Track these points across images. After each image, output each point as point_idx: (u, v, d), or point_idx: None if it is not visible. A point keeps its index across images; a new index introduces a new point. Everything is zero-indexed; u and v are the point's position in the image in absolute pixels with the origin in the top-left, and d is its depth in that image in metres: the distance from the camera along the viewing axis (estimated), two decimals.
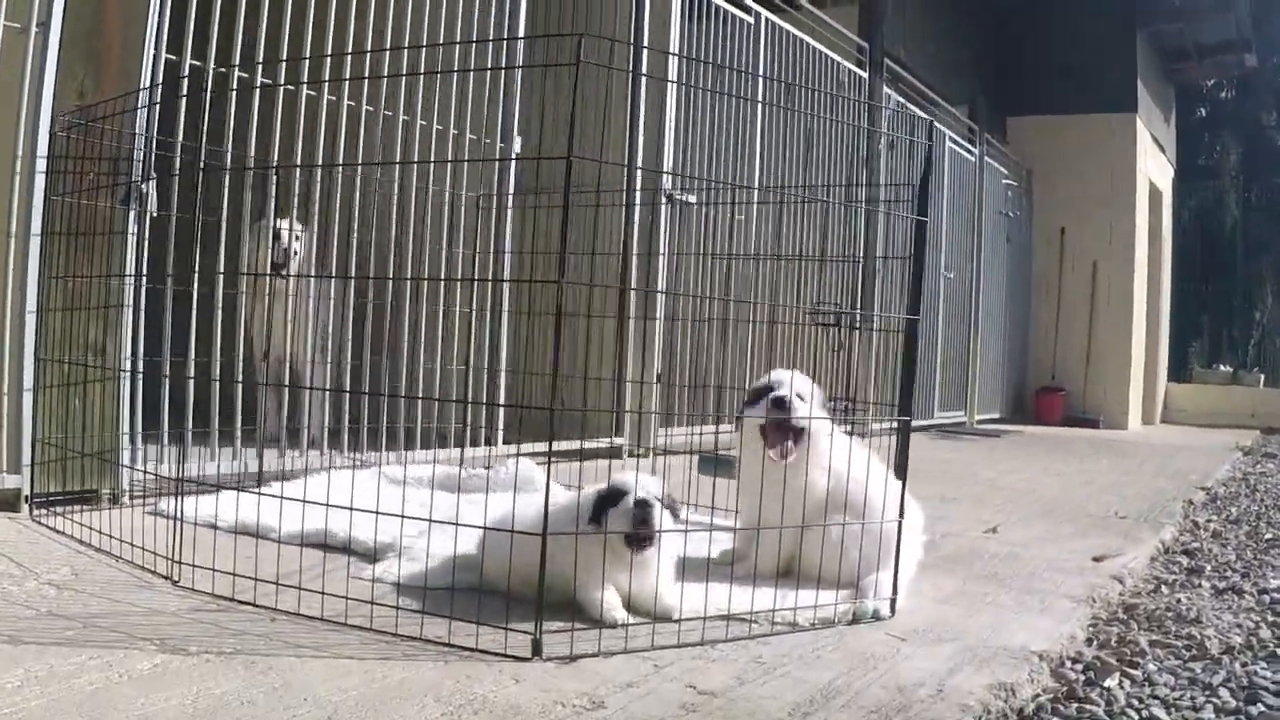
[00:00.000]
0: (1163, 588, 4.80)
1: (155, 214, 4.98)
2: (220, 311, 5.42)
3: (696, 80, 8.19)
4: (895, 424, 3.86)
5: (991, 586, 4.30)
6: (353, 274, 6.14)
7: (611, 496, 3.40)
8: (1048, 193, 16.25)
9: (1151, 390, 17.88)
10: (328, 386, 6.47)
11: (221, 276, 5.47)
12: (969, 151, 13.88)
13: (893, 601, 3.67)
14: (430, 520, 3.30)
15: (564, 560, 3.30)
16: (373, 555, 4.03)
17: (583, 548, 3.32)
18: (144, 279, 4.98)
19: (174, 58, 5.09)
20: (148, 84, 4.89)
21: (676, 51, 7.87)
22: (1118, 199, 15.88)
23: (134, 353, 4.99)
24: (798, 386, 4.03)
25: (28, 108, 4.67)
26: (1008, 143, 15.85)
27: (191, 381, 5.32)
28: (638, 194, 7.58)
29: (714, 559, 4.21)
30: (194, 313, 5.22)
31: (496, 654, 2.97)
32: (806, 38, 9.59)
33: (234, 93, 5.39)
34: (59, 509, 4.47)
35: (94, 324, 4.80)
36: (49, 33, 4.66)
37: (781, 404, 3.97)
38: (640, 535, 3.35)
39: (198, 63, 5.22)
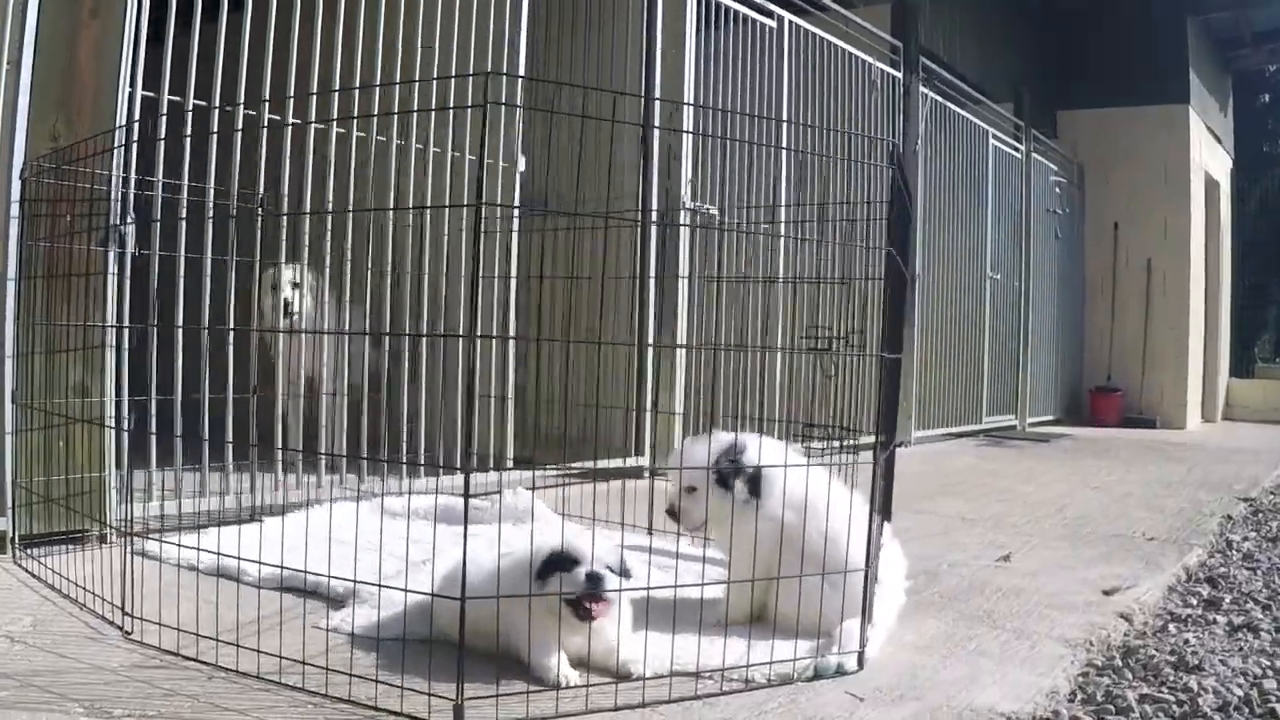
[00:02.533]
0: (1171, 625, 4.51)
1: (136, 254, 4.95)
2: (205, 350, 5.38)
3: (715, 101, 8.00)
4: (872, 459, 3.67)
5: (981, 628, 4.10)
6: (349, 318, 6.09)
7: (561, 562, 3.29)
8: (1100, 188, 15.94)
9: (1212, 387, 17.48)
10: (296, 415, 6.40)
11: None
12: (1015, 149, 13.64)
13: (860, 654, 3.49)
14: (355, 580, 3.22)
15: (514, 617, 3.21)
16: (341, 601, 3.96)
17: (528, 607, 3.21)
18: (125, 321, 4.96)
19: (152, 94, 5.05)
20: (123, 122, 4.86)
21: (692, 65, 7.73)
22: (1172, 193, 15.52)
23: (118, 392, 4.97)
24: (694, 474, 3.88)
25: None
26: (1057, 137, 15.55)
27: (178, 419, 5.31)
28: (654, 213, 7.45)
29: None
30: (179, 352, 5.21)
31: (419, 719, 2.88)
32: (835, 39, 9.43)
33: (216, 128, 5.35)
34: (43, 551, 4.44)
35: (76, 366, 4.78)
36: (20, 71, 4.64)
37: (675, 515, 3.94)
38: (588, 609, 3.26)
39: (177, 98, 5.18)
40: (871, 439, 3.79)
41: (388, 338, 6.37)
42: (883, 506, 4.25)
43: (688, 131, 7.59)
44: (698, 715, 3.05)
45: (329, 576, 3.28)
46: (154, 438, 5.20)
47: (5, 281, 4.64)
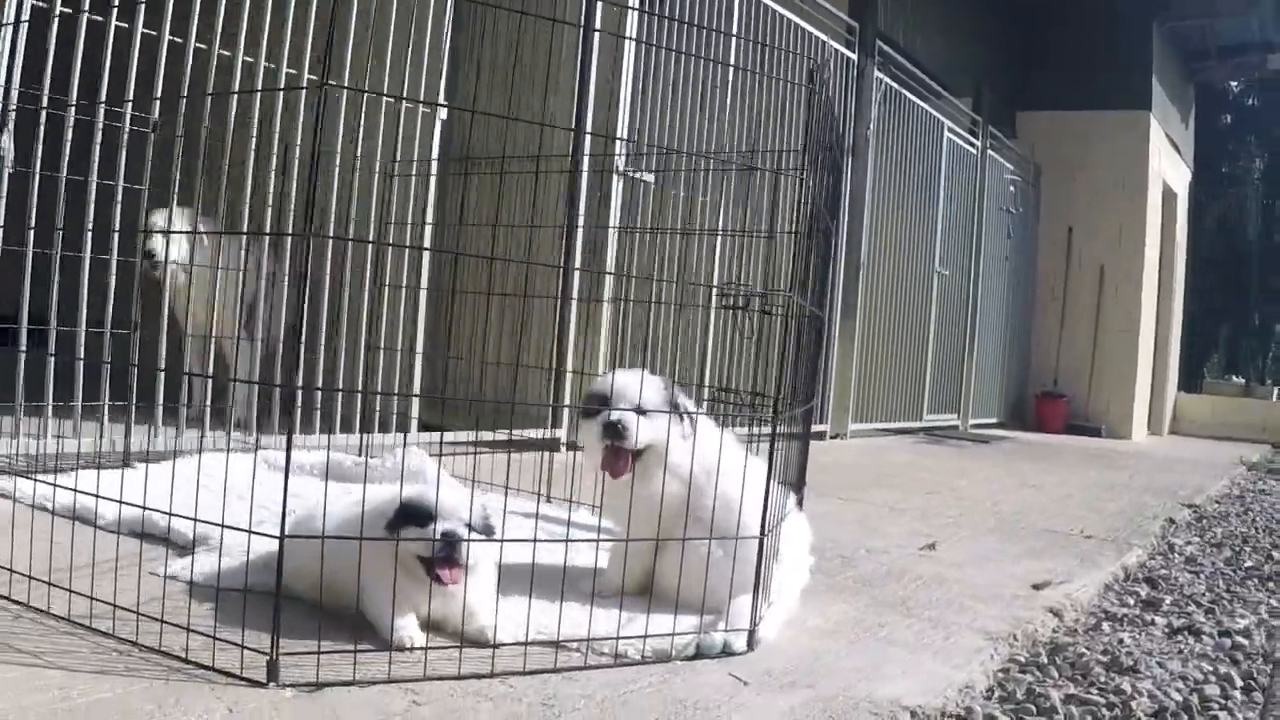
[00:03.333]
0: (1105, 624, 4.23)
1: (13, 170, 4.61)
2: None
3: (658, 40, 7.63)
4: (776, 422, 3.34)
5: (894, 616, 3.79)
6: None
7: (413, 514, 2.97)
8: (1056, 191, 15.75)
9: (1159, 400, 17.35)
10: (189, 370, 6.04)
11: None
12: (971, 144, 13.42)
13: (751, 633, 3.17)
14: (194, 519, 2.88)
15: (366, 571, 2.91)
16: (188, 548, 3.63)
17: (374, 559, 2.91)
18: None
19: (43, 4, 4.71)
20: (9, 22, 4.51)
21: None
22: (1128, 200, 15.35)
23: None
24: (643, 396, 3.49)
25: None
26: (1016, 137, 15.35)
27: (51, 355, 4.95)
28: (585, 159, 7.09)
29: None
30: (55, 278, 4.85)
31: (230, 675, 2.57)
32: (787, 12, 9.11)
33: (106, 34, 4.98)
34: None
35: None
36: None
37: (617, 431, 3.45)
38: (440, 571, 2.95)
39: (68, 10, 4.83)
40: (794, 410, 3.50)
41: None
42: (795, 478, 3.96)
43: (621, 139, 7.26)
44: (554, 689, 2.73)
45: (168, 514, 2.91)
46: (20, 369, 4.84)
47: None
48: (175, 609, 2.87)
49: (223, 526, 2.77)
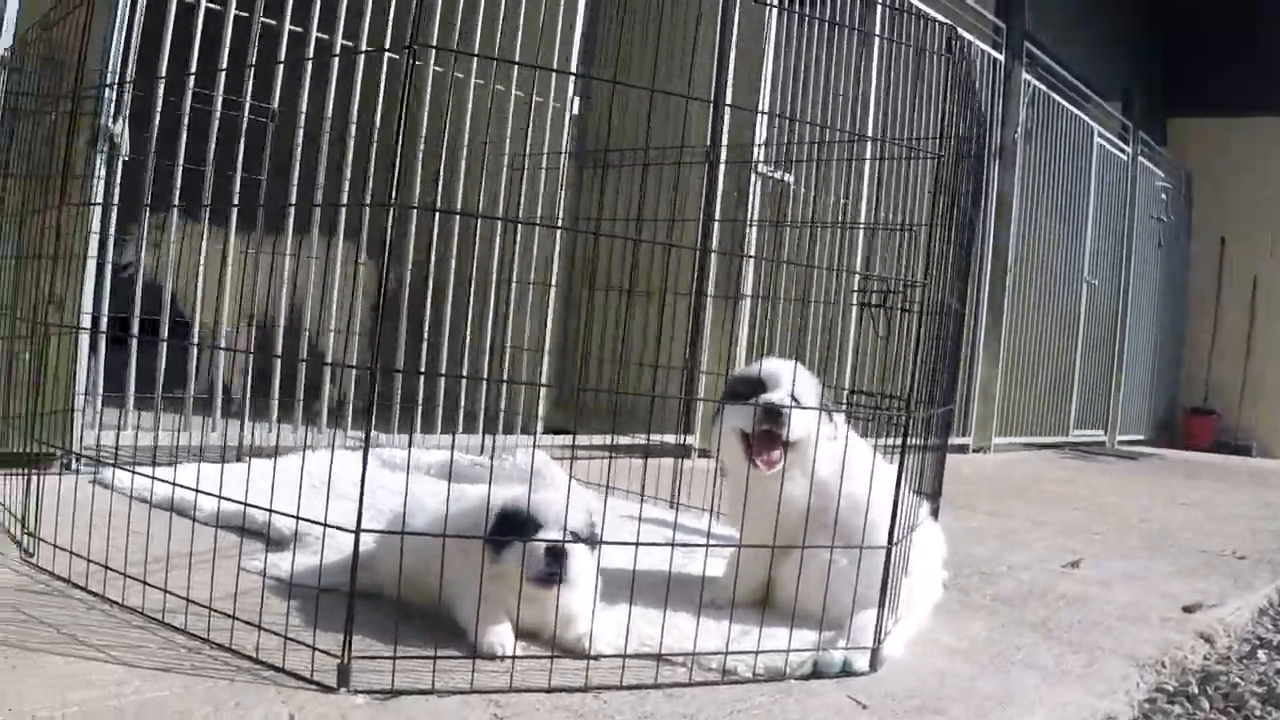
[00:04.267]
0: (1260, 652, 3.85)
1: (127, 158, 4.55)
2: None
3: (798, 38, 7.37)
4: (908, 423, 3.06)
5: (1033, 637, 3.48)
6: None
7: (519, 522, 2.76)
8: (1209, 200, 15.12)
9: None
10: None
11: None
12: (1121, 150, 12.93)
13: (874, 652, 2.89)
14: (296, 517, 2.71)
15: (453, 571, 2.75)
16: (283, 544, 3.49)
17: (465, 559, 2.73)
18: (111, 228, 4.57)
19: None
20: (124, 12, 4.46)
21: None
22: None
23: (96, 308, 4.57)
24: (798, 387, 3.25)
25: None
26: (1166, 144, 14.77)
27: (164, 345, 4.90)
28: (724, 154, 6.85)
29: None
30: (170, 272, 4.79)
31: (300, 678, 2.40)
32: (930, 10, 8.80)
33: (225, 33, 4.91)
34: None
35: (50, 274, 4.37)
36: None
37: (777, 416, 3.21)
38: (545, 579, 2.74)
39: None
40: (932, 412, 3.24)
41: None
42: (931, 486, 3.69)
43: (762, 112, 7.01)
44: (652, 707, 2.51)
45: (244, 504, 2.76)
46: (134, 364, 4.79)
47: None
48: (253, 606, 2.71)
49: (298, 519, 2.60)
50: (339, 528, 2.48)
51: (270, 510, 2.67)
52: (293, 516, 2.62)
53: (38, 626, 2.58)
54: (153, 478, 3.15)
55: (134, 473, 3.48)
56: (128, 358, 4.80)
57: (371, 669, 2.42)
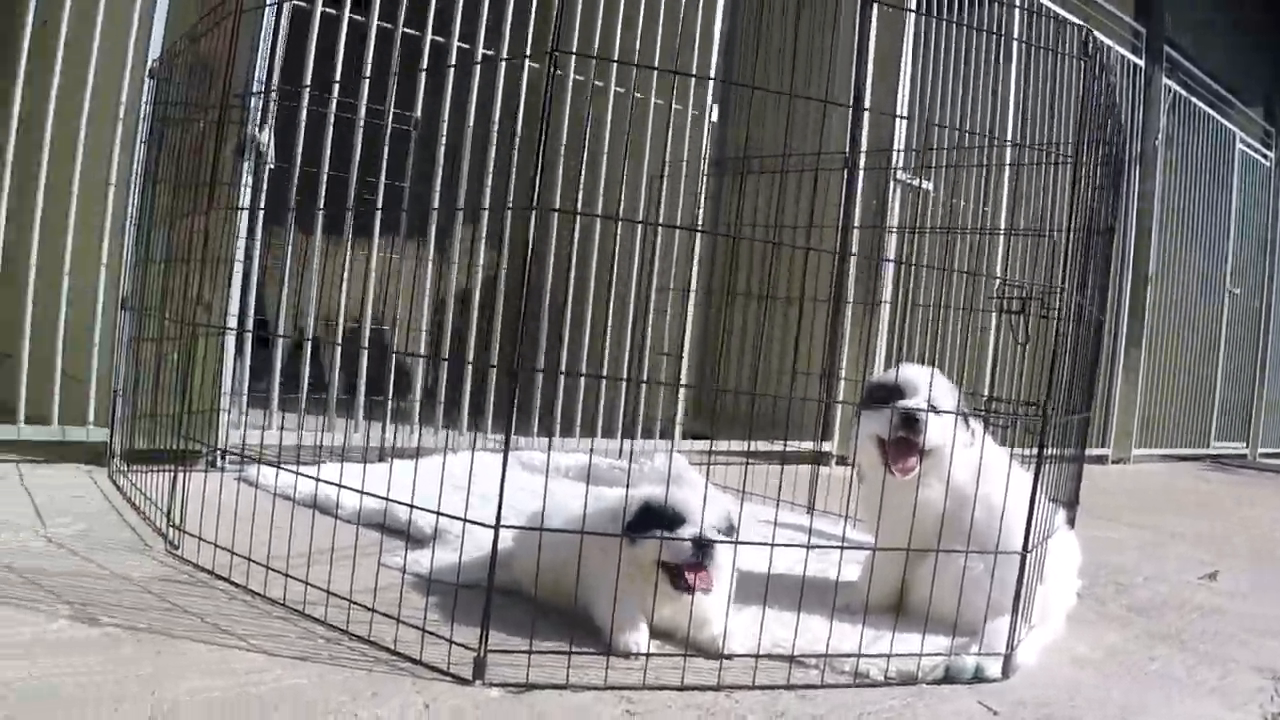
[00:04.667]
0: None
1: (273, 165, 4.67)
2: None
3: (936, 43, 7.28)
4: (1045, 428, 3.01)
5: (1167, 648, 3.40)
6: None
7: (663, 517, 2.77)
8: None
9: None
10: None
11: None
12: (1264, 156, 12.54)
13: (1007, 658, 2.85)
14: (438, 513, 2.75)
15: (592, 569, 2.76)
16: (424, 542, 3.57)
17: (603, 557, 2.73)
18: (256, 234, 4.70)
19: (304, 4, 4.77)
20: (269, 24, 4.58)
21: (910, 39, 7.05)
22: None
23: (242, 310, 4.70)
24: (935, 393, 3.21)
25: (134, 54, 4.47)
26: None
27: (308, 345, 5.02)
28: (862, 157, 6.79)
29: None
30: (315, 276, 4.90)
31: (436, 670, 2.43)
32: (1069, 15, 8.64)
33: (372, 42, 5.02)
34: (143, 467, 4.10)
35: (196, 277, 4.50)
36: None
37: (913, 423, 3.18)
38: (687, 580, 2.74)
39: (331, 10, 4.88)
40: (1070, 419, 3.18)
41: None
42: (1067, 494, 3.62)
43: (900, 116, 6.94)
44: (784, 707, 2.50)
45: (407, 505, 2.80)
46: (277, 365, 4.92)
47: (130, 186, 4.41)
48: (391, 600, 2.75)
49: (438, 515, 2.65)
50: (479, 523, 2.52)
51: (411, 506, 2.72)
52: (434, 513, 2.67)
53: (182, 615, 2.66)
54: (297, 474, 3.22)
55: (279, 469, 3.56)
56: (272, 359, 4.93)
57: (506, 663, 2.45)
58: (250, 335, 5.06)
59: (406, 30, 5.10)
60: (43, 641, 2.39)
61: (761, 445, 5.91)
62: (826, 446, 6.79)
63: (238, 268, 4.60)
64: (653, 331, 6.12)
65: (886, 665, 2.75)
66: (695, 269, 6.29)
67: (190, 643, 2.47)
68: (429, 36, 5.17)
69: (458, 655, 2.45)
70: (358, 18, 4.97)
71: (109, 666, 2.28)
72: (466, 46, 5.32)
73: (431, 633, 2.51)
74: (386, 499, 2.85)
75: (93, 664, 2.28)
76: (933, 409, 3.15)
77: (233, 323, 4.59)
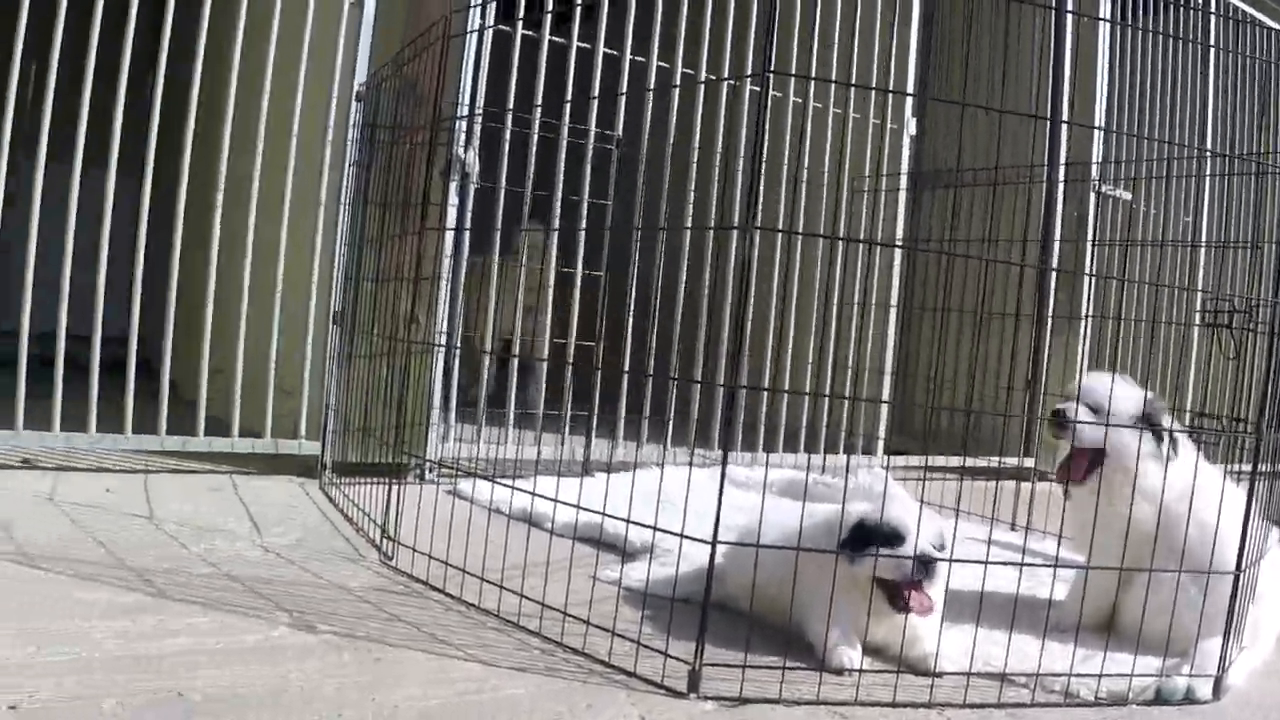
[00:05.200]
0: None
1: (479, 185, 4.76)
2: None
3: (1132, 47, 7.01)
4: (1259, 446, 2.86)
5: None
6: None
7: (881, 534, 2.70)
8: None
9: None
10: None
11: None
12: None
13: (1218, 680, 2.71)
14: (654, 528, 2.75)
15: (806, 586, 2.70)
16: (638, 555, 3.59)
17: (818, 573, 2.68)
18: (463, 252, 4.79)
19: (506, 29, 4.86)
20: (472, 48, 4.67)
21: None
22: None
23: (449, 327, 4.80)
24: (1115, 400, 3.08)
25: (341, 78, 4.62)
26: None
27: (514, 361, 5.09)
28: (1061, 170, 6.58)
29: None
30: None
31: (650, 682, 2.42)
32: (1269, 20, 8.23)
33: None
34: (354, 479, 4.23)
35: (407, 295, 4.60)
36: (363, 9, 4.71)
37: (1060, 422, 3.10)
38: (907, 600, 2.68)
39: (531, 33, 4.96)
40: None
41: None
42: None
43: (1098, 128, 6.71)
44: None
45: (622, 520, 2.79)
46: (485, 380, 5.00)
47: (340, 206, 4.54)
48: (606, 613, 2.76)
49: (654, 529, 2.64)
50: (696, 539, 2.50)
51: (628, 521, 2.72)
52: (650, 528, 2.66)
53: (398, 624, 2.70)
54: (513, 488, 3.25)
55: (494, 483, 3.60)
56: (480, 374, 5.01)
57: (720, 677, 2.42)
58: (458, 351, 5.14)
59: (607, 50, 5.15)
60: (266, 647, 2.46)
61: (966, 461, 5.77)
62: (1030, 463, 6.58)
63: (445, 286, 4.69)
64: (855, 347, 6.04)
65: (1097, 685, 2.65)
66: (897, 284, 6.19)
67: (408, 651, 2.51)
68: (628, 56, 5.20)
69: (672, 668, 2.43)
70: (558, 40, 5.03)
71: (329, 672, 2.33)
72: (665, 65, 5.34)
73: (647, 645, 2.51)
74: (602, 513, 2.86)
75: (313, 670, 2.34)
76: (1093, 415, 3.06)
77: (442, 339, 4.68)
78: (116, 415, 4.34)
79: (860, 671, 2.57)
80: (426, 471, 4.68)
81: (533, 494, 3.17)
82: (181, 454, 4.56)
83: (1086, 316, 6.42)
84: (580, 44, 5.10)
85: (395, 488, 3.38)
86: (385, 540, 3.37)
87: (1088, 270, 6.47)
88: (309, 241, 4.62)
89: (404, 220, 4.51)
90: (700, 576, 3.03)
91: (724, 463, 2.51)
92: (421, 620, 2.75)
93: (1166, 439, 3.09)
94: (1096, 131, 6.46)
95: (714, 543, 2.46)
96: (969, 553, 3.06)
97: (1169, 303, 6.87)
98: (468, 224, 4.82)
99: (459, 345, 5.08)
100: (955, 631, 2.79)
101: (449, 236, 4.66)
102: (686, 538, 2.52)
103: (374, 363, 4.21)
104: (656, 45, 5.33)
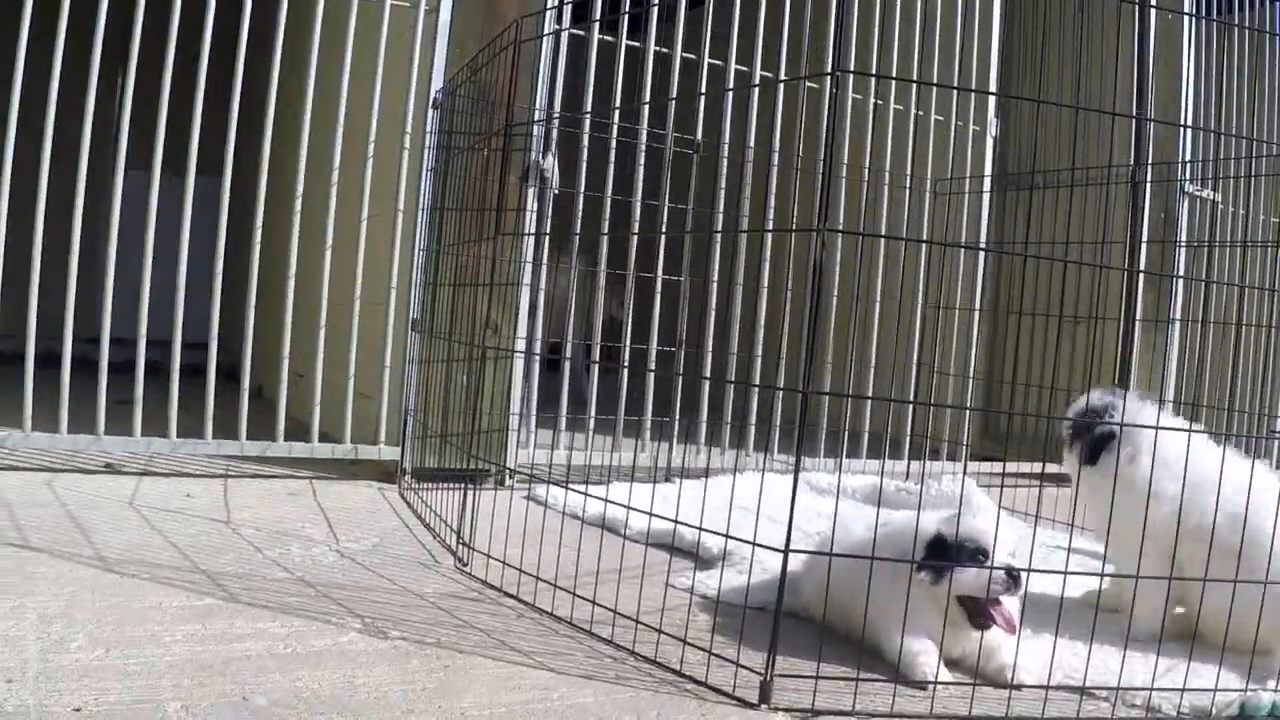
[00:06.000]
0: None
1: (557, 190, 4.74)
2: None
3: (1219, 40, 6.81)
4: None
5: None
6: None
7: (960, 547, 2.61)
8: None
9: None
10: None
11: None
12: None
13: None
14: (726, 536, 2.69)
15: (881, 600, 2.63)
16: (711, 563, 3.54)
17: (891, 584, 2.61)
18: (543, 258, 4.78)
19: (580, 33, 4.84)
20: (547, 54, 4.65)
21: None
22: None
23: (530, 333, 4.79)
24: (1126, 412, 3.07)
25: (417, 85, 4.62)
26: None
27: (595, 367, 5.06)
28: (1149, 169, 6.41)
29: (1079, 600, 3.30)
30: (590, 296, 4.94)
31: (721, 692, 2.37)
32: None
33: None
34: (432, 485, 4.21)
35: (484, 300, 4.59)
36: (439, 15, 4.70)
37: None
38: (990, 617, 2.59)
39: (608, 38, 4.94)
40: None
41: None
42: None
43: (1185, 125, 6.53)
44: None
45: (695, 527, 2.75)
46: (565, 386, 4.98)
47: (418, 212, 4.57)
48: (678, 621, 2.72)
49: (727, 537, 2.59)
50: (768, 547, 2.45)
51: (700, 529, 2.68)
52: (723, 535, 2.61)
53: (470, 631, 2.68)
54: (585, 494, 3.21)
55: (567, 488, 3.57)
56: (560, 380, 5.00)
57: (792, 688, 2.36)
58: (538, 358, 5.13)
59: (685, 54, 5.11)
60: (334, 652, 2.45)
61: (1051, 468, 5.62)
62: None
63: (525, 292, 4.67)
64: (939, 352, 5.94)
65: (1180, 700, 2.54)
66: (980, 287, 6.06)
67: (477, 658, 2.48)
68: (705, 60, 5.16)
69: (743, 678, 2.38)
70: (633, 43, 5.00)
71: (397, 678, 2.31)
72: (745, 69, 5.28)
73: (718, 655, 2.46)
74: (675, 520, 2.81)
75: (381, 676, 2.32)
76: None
77: (520, 345, 4.66)
78: (198, 421, 4.38)
79: (936, 683, 2.49)
80: (507, 477, 4.67)
81: (605, 500, 3.14)
82: (261, 459, 4.58)
83: (1172, 320, 6.26)
84: (658, 47, 5.07)
85: (470, 493, 3.36)
86: (460, 546, 3.35)
87: (1175, 272, 6.30)
88: (386, 248, 4.63)
89: (481, 226, 4.51)
90: (774, 585, 3.00)
91: (796, 468, 2.44)
92: (493, 627, 2.72)
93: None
94: (1182, 130, 6.29)
95: (786, 550, 2.40)
96: (1053, 560, 2.98)
97: (1256, 306, 6.68)
98: (547, 229, 4.80)
99: (538, 353, 5.04)
100: (1034, 642, 2.69)
101: (529, 242, 4.64)
102: (759, 545, 2.46)
103: (452, 368, 4.21)
104: (735, 48, 5.27)
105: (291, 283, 4.57)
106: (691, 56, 5.15)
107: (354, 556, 3.34)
